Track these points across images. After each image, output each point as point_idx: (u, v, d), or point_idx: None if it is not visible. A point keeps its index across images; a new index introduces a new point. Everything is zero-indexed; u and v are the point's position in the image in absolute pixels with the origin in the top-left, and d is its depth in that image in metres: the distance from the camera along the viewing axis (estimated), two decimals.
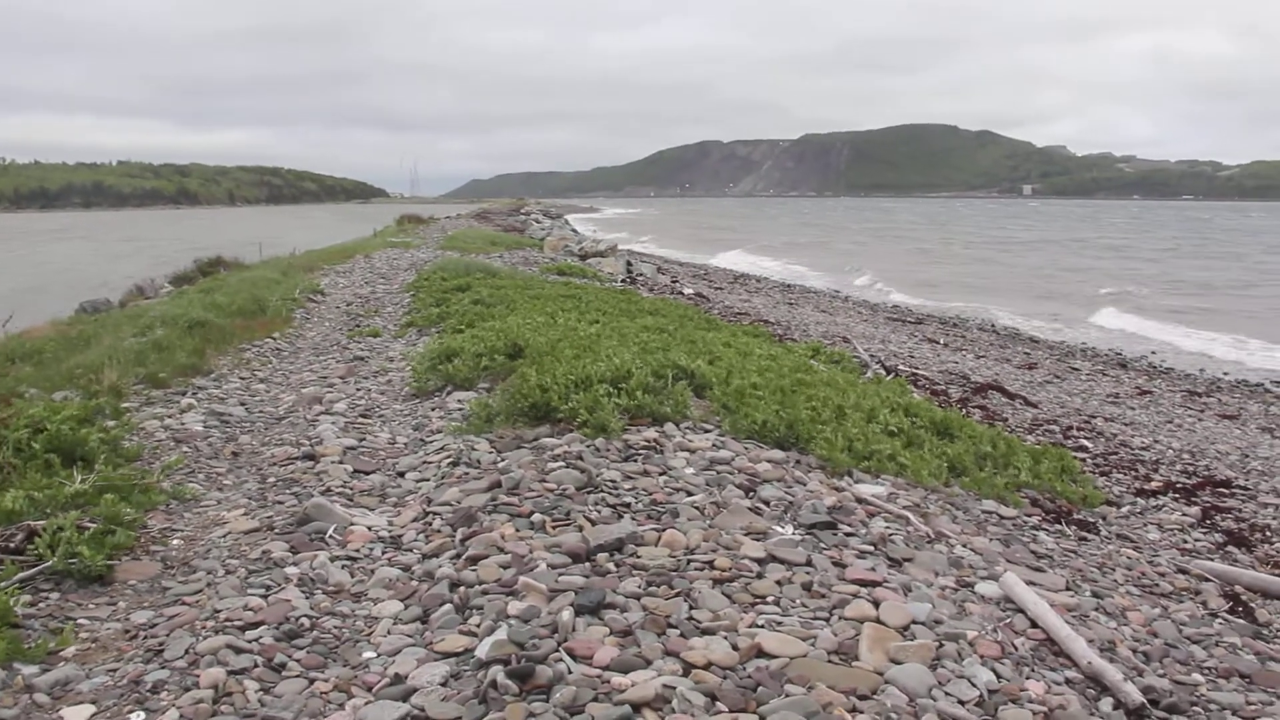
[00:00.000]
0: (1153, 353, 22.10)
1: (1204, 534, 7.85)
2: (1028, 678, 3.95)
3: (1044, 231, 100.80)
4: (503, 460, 6.31)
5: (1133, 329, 26.85)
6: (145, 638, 4.26)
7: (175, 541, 5.50)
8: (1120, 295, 35.83)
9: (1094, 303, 33.03)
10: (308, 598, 4.61)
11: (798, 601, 4.33)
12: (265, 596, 4.60)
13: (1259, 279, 44.77)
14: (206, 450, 7.57)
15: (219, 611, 4.40)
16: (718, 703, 3.46)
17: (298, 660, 3.98)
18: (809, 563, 4.73)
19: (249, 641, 4.08)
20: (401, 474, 6.64)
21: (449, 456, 6.66)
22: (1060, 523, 6.91)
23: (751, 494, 5.72)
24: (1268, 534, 8.05)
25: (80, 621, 4.44)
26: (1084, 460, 9.96)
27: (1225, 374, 19.49)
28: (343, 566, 4.98)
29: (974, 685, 3.76)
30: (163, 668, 3.91)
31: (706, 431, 7.01)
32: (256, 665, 3.91)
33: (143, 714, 3.60)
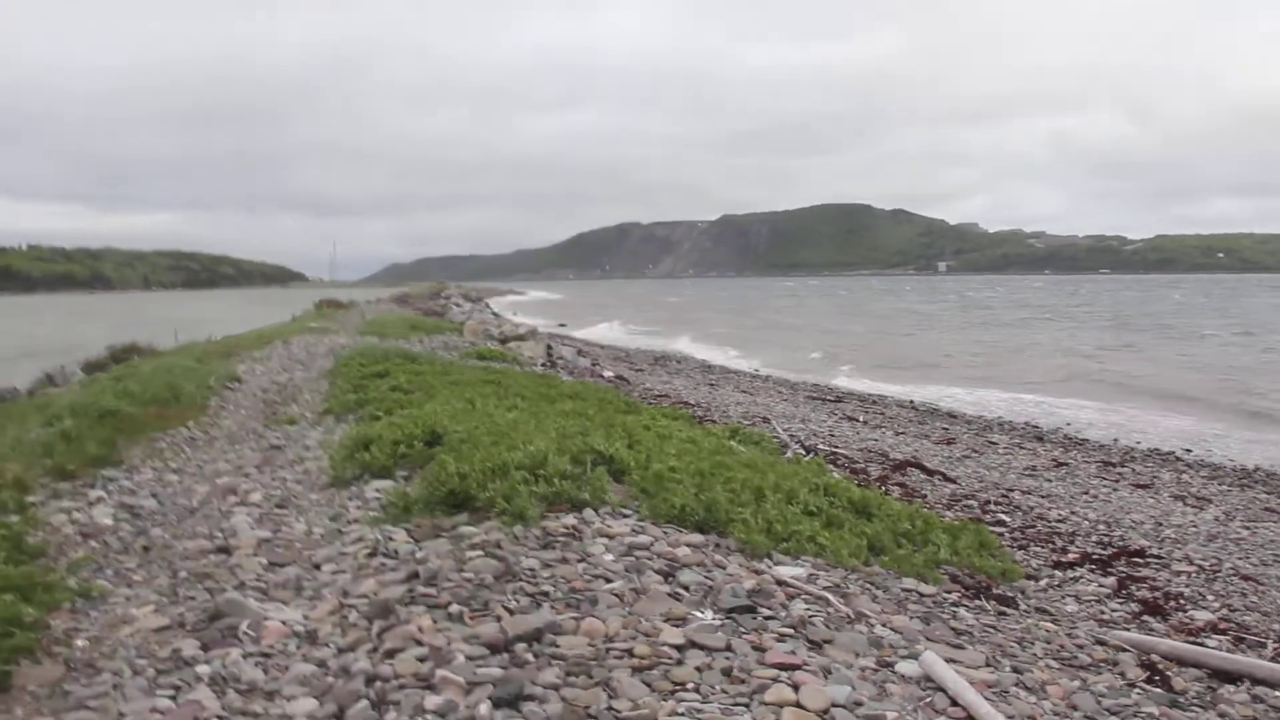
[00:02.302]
0: (1068, 424, 22.53)
1: (1120, 604, 7.98)
2: None
3: (910, 304, 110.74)
4: (420, 550, 6.23)
5: (857, 386, 30.64)
6: None
7: (80, 642, 5.32)
8: (866, 358, 41.15)
9: (838, 365, 38.15)
10: (219, 697, 4.47)
11: (718, 688, 4.31)
12: (174, 698, 4.46)
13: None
14: (116, 545, 7.37)
15: (124, 715, 4.27)
16: None
17: None
18: (729, 648, 4.71)
19: None
20: (318, 566, 6.51)
21: (366, 547, 6.56)
22: (980, 598, 6.96)
23: (671, 579, 5.70)
24: (1181, 602, 8.19)
25: None
26: (1002, 534, 10.09)
27: (1138, 443, 19.91)
28: (256, 664, 4.85)
29: None
30: None
31: (625, 516, 6.99)
32: None
33: None
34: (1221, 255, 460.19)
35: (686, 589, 5.56)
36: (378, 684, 4.33)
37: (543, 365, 24.31)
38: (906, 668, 4.89)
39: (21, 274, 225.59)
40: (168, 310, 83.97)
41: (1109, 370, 36.10)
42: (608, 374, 25.52)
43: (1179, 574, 9.24)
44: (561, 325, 64.12)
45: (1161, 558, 9.84)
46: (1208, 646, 6.67)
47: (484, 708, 3.91)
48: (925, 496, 11.94)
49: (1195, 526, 11.86)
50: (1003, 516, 11.28)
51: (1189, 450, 19.05)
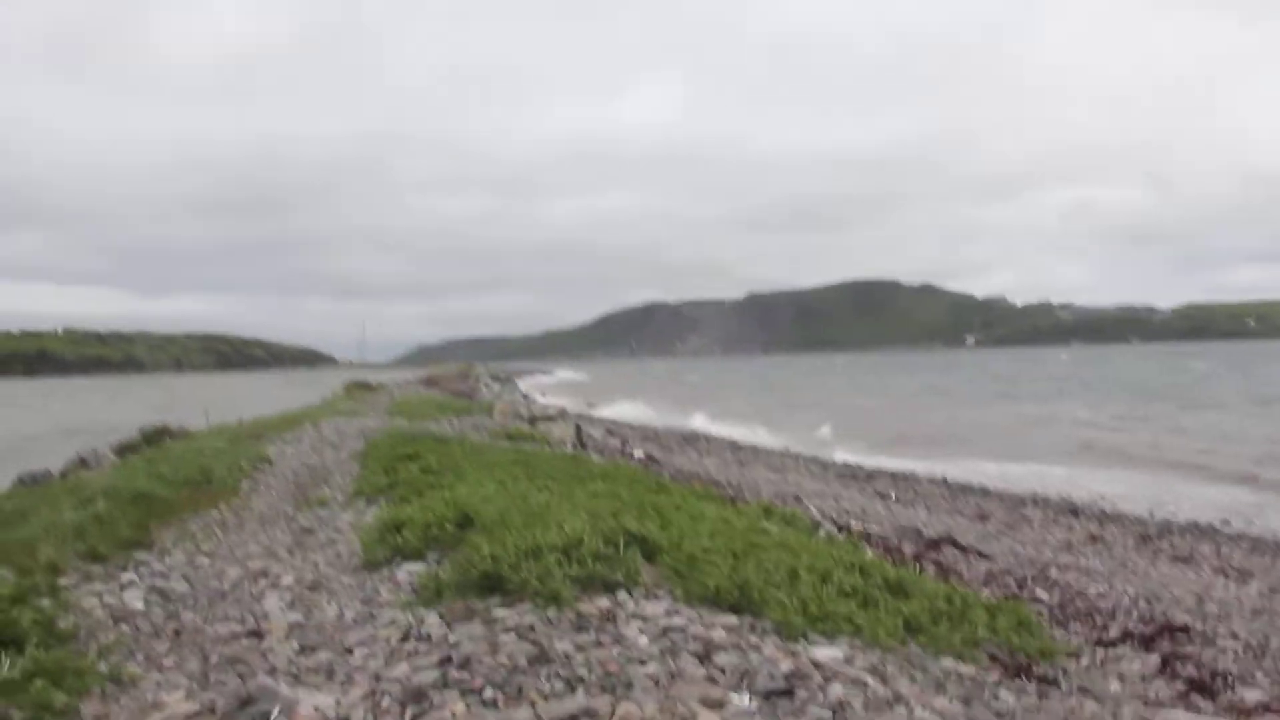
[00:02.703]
0: (1102, 498, 22.28)
1: (1165, 682, 7.79)
2: None
3: (934, 379, 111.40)
4: (453, 634, 6.17)
5: (867, 461, 31.13)
6: None
7: None
8: (880, 434, 41.53)
9: (849, 440, 38.33)
10: None
11: None
12: None
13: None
14: (147, 628, 7.34)
15: None
16: None
17: None
18: None
19: None
20: (350, 650, 6.45)
21: (398, 631, 6.50)
22: (1020, 678, 6.82)
23: (706, 661, 5.61)
24: (1229, 680, 7.99)
25: None
26: (1041, 612, 9.91)
27: (1175, 515, 19.67)
28: None
29: None
30: None
31: (659, 598, 6.92)
32: None
33: None
34: (1252, 322, 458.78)
35: (723, 671, 5.47)
36: None
37: (572, 446, 24.28)
38: None
39: (57, 356, 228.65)
40: (199, 392, 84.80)
41: (1137, 442, 35.83)
42: (637, 454, 25.46)
43: (1225, 651, 9.05)
44: (590, 405, 64.32)
45: (1206, 634, 9.65)
46: None
47: None
48: (961, 574, 11.78)
49: (1239, 601, 11.66)
50: (1040, 593, 11.11)
51: (1227, 522, 18.79)
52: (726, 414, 55.18)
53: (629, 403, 69.62)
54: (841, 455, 32.48)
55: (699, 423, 49.00)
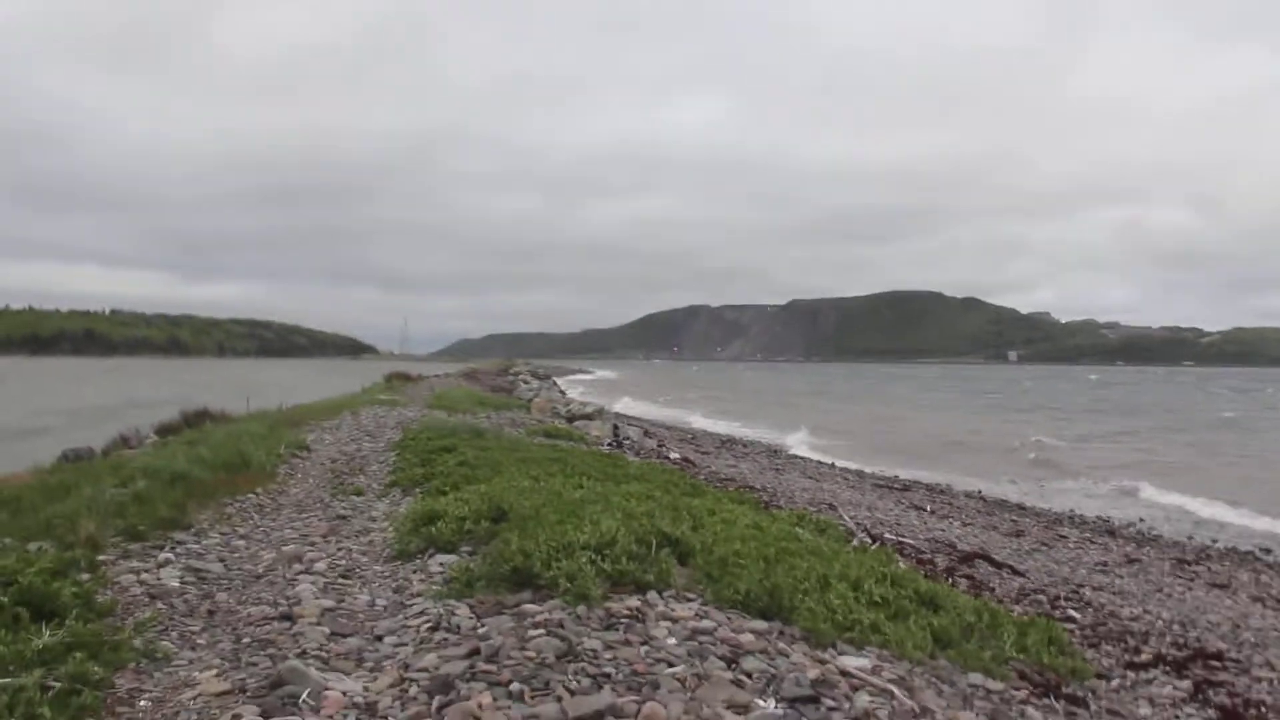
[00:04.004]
0: (1140, 520, 22.09)
1: (1197, 709, 7.71)
2: None
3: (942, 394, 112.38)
4: (483, 626, 6.21)
5: (804, 451, 36.62)
6: None
7: (143, 703, 5.35)
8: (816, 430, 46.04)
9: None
10: None
11: None
12: None
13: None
14: (181, 607, 7.43)
15: None
16: None
17: None
18: None
19: None
20: (379, 638, 6.50)
21: (428, 621, 6.55)
22: (1048, 697, 6.78)
23: (734, 665, 5.61)
24: (1263, 710, 7.89)
25: None
26: (1072, 631, 9.83)
27: (1214, 540, 19.48)
28: None
29: None
30: None
31: (689, 600, 6.93)
32: None
33: None
34: None
35: (749, 676, 5.47)
36: None
37: (609, 445, 24.31)
38: None
39: (103, 337, 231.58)
40: (241, 376, 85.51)
41: (1176, 465, 35.56)
42: (673, 455, 25.46)
43: (1259, 680, 8.93)
44: (625, 401, 65.05)
45: (1240, 661, 9.53)
46: None
47: None
48: (993, 589, 11.71)
49: (1276, 630, 11.50)
50: (1073, 613, 11.02)
51: (1268, 551, 18.56)
52: (723, 413, 59.31)
53: (633, 400, 72.55)
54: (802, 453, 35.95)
55: (696, 420, 52.96)
